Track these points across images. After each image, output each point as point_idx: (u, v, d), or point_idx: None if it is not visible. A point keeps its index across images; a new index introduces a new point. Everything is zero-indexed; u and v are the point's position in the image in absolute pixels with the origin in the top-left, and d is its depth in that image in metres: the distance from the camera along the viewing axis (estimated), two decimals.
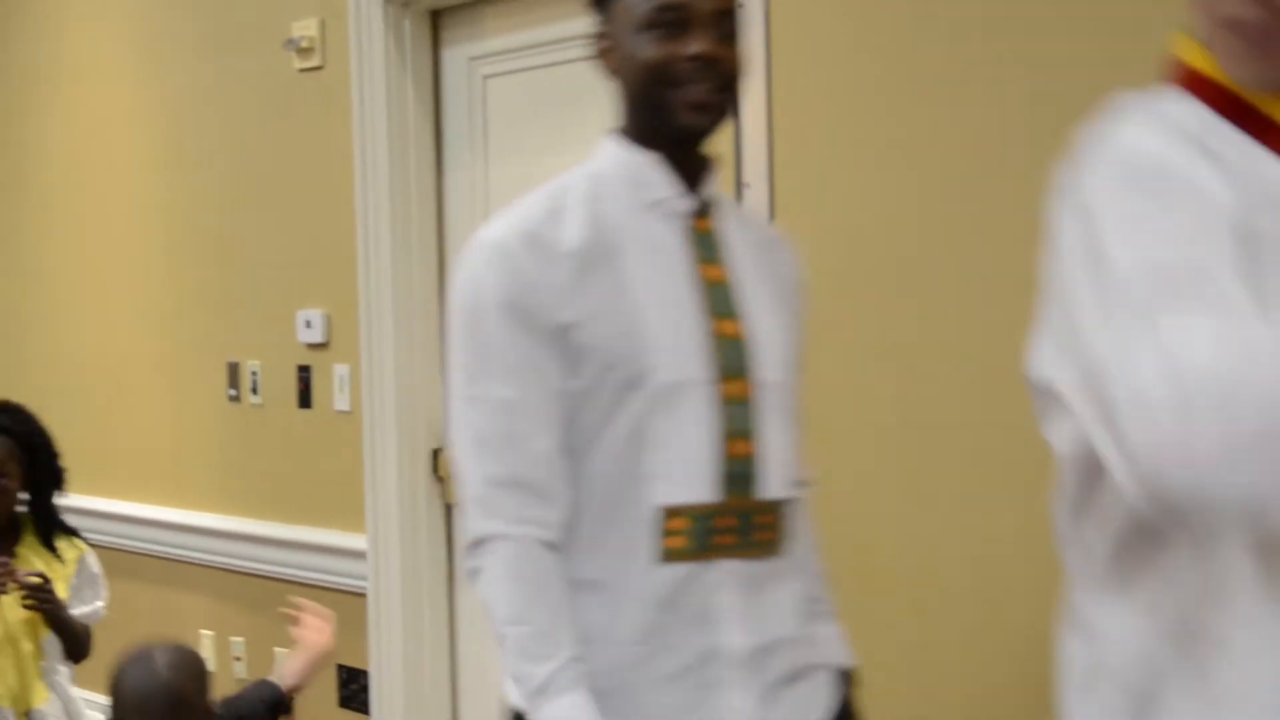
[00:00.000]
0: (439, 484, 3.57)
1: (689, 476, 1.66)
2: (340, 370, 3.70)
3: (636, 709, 1.66)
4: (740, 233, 1.79)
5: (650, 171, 1.72)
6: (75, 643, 2.89)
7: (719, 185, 1.79)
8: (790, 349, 1.80)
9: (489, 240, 1.69)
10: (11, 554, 2.86)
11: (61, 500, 3.01)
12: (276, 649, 3.84)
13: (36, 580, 2.76)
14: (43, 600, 2.76)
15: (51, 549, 2.93)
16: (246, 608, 3.99)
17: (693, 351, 1.67)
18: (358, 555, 3.63)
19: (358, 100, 3.56)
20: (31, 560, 2.88)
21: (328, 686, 3.76)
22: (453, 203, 3.56)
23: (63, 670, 2.94)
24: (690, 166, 1.74)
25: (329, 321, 3.72)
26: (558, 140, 3.27)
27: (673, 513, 1.65)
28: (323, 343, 3.74)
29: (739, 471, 1.69)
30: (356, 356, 3.62)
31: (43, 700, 2.85)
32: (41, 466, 2.94)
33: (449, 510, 3.59)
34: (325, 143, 3.69)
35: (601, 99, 1.93)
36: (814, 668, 1.78)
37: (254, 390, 3.94)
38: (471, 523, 1.67)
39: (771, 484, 1.72)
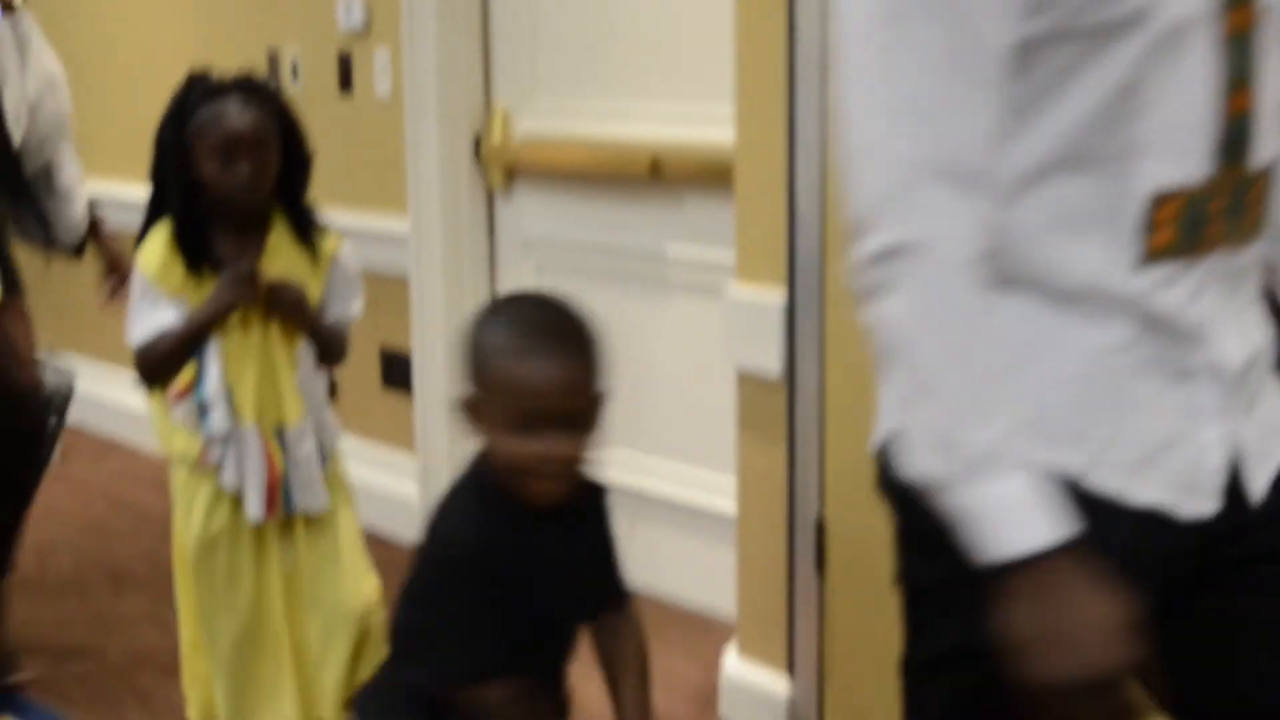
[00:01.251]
0: (480, 169, 3.59)
1: (1185, 148, 1.22)
2: (381, 55, 3.68)
3: (1101, 442, 1.25)
4: None
5: None
6: (329, 347, 2.50)
7: None
8: None
9: None
10: (261, 247, 2.42)
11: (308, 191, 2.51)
12: None
13: (284, 288, 2.40)
14: (292, 307, 2.41)
15: (305, 243, 2.47)
16: None
17: None
18: (399, 241, 3.68)
19: None
20: (282, 255, 2.44)
21: (371, 368, 3.87)
22: None
23: (320, 386, 2.54)
24: None
25: (369, 4, 3.68)
26: None
27: (1164, 198, 1.22)
28: (363, 27, 3.70)
29: (1236, 134, 1.23)
30: (398, 40, 3.59)
31: (296, 415, 2.43)
32: (294, 147, 2.44)
33: (490, 196, 3.62)
34: None
35: None
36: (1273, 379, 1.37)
37: (295, 76, 3.93)
38: (874, 226, 1.19)
39: (1265, 146, 1.26)
